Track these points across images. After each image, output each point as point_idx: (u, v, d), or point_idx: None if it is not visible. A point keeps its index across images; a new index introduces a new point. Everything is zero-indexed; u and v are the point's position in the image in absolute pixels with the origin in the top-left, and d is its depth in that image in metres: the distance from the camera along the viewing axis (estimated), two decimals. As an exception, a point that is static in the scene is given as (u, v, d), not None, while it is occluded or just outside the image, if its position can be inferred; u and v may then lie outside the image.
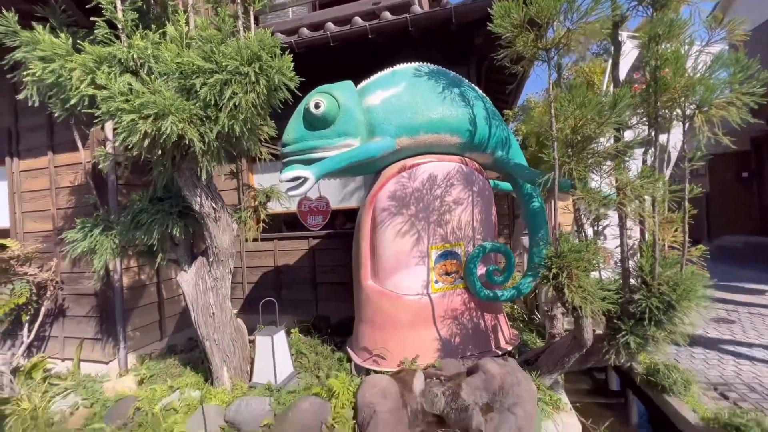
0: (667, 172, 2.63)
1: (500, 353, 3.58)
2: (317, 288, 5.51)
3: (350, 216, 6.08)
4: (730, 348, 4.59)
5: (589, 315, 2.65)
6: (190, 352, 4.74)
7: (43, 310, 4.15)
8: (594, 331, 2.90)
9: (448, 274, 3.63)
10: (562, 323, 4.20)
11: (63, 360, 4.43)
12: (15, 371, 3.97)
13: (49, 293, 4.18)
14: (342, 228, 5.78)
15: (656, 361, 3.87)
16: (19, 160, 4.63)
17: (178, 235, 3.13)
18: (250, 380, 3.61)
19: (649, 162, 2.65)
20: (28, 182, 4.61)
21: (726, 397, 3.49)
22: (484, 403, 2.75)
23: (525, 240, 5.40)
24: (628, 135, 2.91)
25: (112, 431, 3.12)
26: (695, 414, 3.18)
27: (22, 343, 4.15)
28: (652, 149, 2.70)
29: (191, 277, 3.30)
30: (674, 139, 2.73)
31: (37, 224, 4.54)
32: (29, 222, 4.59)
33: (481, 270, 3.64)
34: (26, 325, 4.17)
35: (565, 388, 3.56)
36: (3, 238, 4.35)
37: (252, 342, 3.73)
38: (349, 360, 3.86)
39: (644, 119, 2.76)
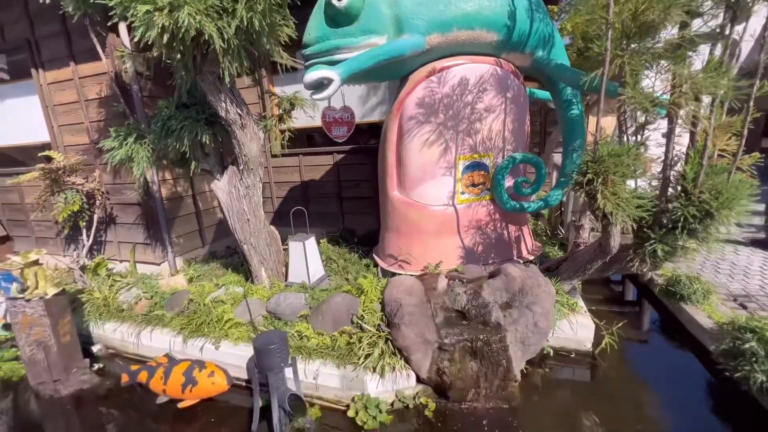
0: (735, 68, 2.32)
1: (521, 262, 3.69)
2: (343, 202, 5.65)
3: (374, 132, 5.93)
4: (758, 265, 4.53)
5: (619, 223, 2.62)
6: (230, 258, 5.18)
7: (95, 217, 4.53)
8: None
9: (474, 185, 3.60)
10: (588, 233, 4.20)
11: (120, 261, 4.96)
12: (83, 269, 4.51)
13: (98, 202, 4.50)
14: (366, 144, 5.69)
15: (678, 273, 3.91)
16: (45, 72, 4.62)
17: (207, 142, 3.17)
18: (285, 280, 3.97)
19: (717, 54, 2.32)
20: (57, 95, 4.66)
21: (745, 307, 3.55)
22: (504, 301, 2.93)
23: (556, 157, 5.17)
24: (695, 26, 2.52)
25: (172, 317, 3.60)
26: (710, 319, 3.29)
27: (83, 246, 4.63)
28: (722, 41, 2.35)
29: (224, 185, 3.44)
30: (752, 25, 2.34)
31: (74, 137, 4.71)
32: (67, 135, 4.76)
33: (509, 182, 3.58)
34: (84, 231, 4.60)
35: (582, 297, 3.72)
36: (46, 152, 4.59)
37: (285, 248, 3.99)
38: (376, 265, 4.11)
39: (721, 2, 2.35)
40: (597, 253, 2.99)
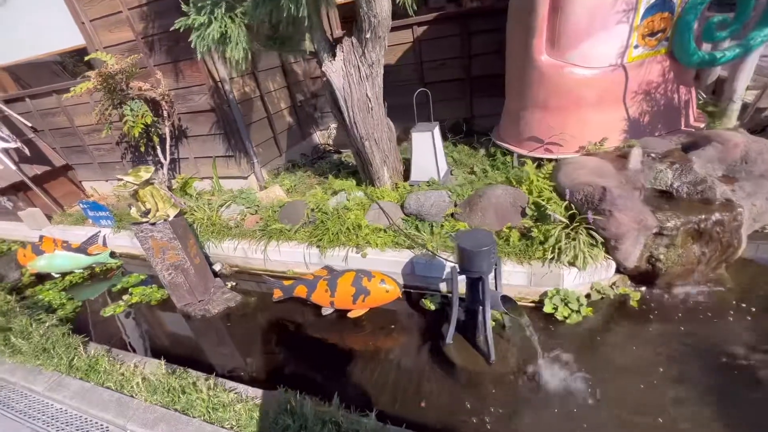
0: None
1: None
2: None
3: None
4: None
5: None
6: (312, 166, 4.71)
7: (167, 131, 3.96)
8: None
9: (652, 34, 2.78)
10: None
11: (201, 179, 4.55)
12: (169, 189, 4.14)
13: (166, 112, 3.88)
14: (466, 6, 4.62)
15: None
16: (52, -56, 3.56)
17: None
18: (407, 179, 3.51)
19: None
20: (76, -23, 3.68)
21: None
22: (720, 175, 2.41)
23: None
24: None
25: (296, 228, 3.29)
26: None
27: (161, 164, 4.17)
28: None
29: (339, 66, 2.73)
30: None
31: (114, 34, 3.86)
32: (104, 33, 3.90)
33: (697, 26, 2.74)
34: (158, 148, 4.08)
35: None
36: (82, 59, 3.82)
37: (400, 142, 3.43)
38: (505, 153, 3.56)
39: None
40: None
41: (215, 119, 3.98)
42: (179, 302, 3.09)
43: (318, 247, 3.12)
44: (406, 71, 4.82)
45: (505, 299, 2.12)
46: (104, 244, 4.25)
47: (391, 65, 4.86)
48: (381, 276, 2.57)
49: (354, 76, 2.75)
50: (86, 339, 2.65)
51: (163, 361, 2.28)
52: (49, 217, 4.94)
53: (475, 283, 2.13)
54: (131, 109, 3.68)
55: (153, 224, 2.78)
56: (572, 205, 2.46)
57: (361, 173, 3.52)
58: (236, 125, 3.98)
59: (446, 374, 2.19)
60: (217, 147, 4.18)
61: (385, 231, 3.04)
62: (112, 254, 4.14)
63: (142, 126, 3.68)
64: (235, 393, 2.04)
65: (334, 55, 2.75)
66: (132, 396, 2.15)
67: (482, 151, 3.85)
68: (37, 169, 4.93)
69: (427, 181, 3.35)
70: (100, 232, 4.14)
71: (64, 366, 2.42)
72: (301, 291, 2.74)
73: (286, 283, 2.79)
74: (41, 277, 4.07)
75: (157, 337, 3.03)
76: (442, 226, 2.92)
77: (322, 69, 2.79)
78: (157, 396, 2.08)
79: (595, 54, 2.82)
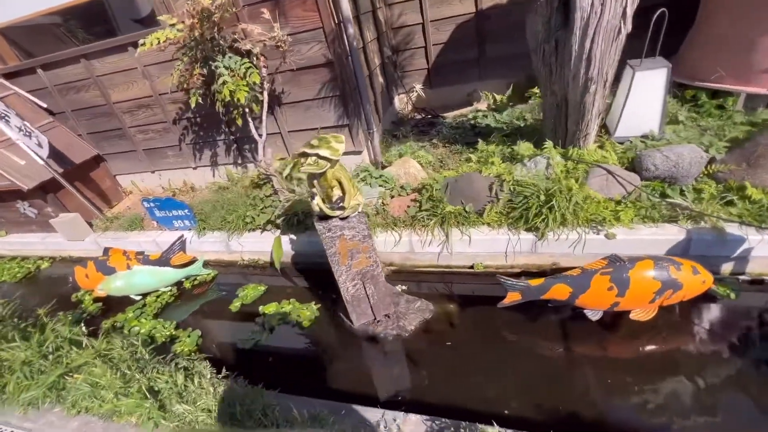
0: None
1: None
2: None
3: None
4: None
5: None
6: (421, 134, 3.88)
7: (266, 96, 2.97)
8: None
9: None
10: None
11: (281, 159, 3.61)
12: (266, 174, 3.21)
13: (264, 71, 2.88)
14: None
15: None
16: None
17: None
18: (610, 135, 2.76)
19: None
20: None
21: None
22: None
23: None
24: None
25: (489, 210, 2.51)
26: None
27: (253, 143, 3.20)
28: None
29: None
30: None
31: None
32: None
33: None
34: (251, 121, 3.08)
35: None
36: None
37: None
38: (715, 95, 2.86)
39: None
40: None
41: (328, 77, 3.03)
42: (358, 321, 2.29)
43: (531, 230, 2.37)
44: (516, 14, 3.97)
45: None
46: (184, 250, 3.30)
47: (502, 5, 4.02)
48: (690, 263, 1.86)
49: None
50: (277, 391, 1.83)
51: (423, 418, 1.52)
52: (90, 224, 3.87)
53: None
54: (226, 67, 2.68)
55: (344, 218, 1.93)
56: None
57: (550, 132, 2.74)
58: (356, 84, 3.06)
59: None
60: (325, 115, 3.25)
61: (620, 202, 2.33)
62: (205, 264, 3.21)
63: (246, 89, 2.69)
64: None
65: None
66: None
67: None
68: (61, 164, 3.81)
69: (642, 136, 2.63)
70: (183, 236, 3.18)
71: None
72: (559, 292, 2.00)
73: (533, 282, 2.04)
74: (107, 301, 3.11)
75: (353, 375, 2.16)
76: (698, 190, 2.24)
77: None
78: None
79: None
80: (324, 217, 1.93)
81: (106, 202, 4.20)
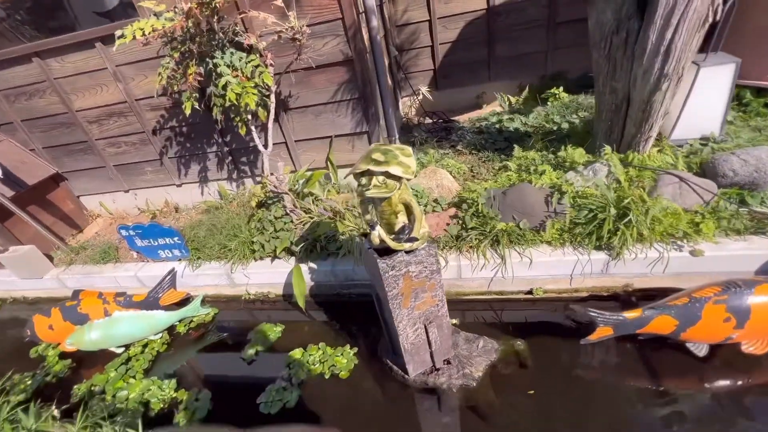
0: None
1: None
2: (557, 31, 3.83)
3: None
4: None
5: None
6: (439, 141, 3.52)
7: (273, 100, 2.49)
8: None
9: None
10: None
11: (292, 172, 3.13)
12: (275, 189, 2.73)
13: (270, 68, 2.41)
14: None
15: None
16: None
17: None
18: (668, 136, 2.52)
19: None
20: None
21: None
22: None
23: None
24: None
25: (552, 226, 2.18)
26: None
27: (260, 153, 2.71)
28: None
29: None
30: None
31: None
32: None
33: None
34: (254, 129, 2.59)
35: None
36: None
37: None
38: (760, 92, 2.71)
39: None
40: None
41: (346, 77, 2.61)
42: (415, 371, 1.88)
43: (602, 249, 2.07)
44: (531, 10, 3.76)
45: None
46: (174, 286, 2.74)
47: (503, 2, 3.78)
48: (812, 285, 1.61)
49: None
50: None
51: None
52: (50, 257, 3.20)
53: None
54: (228, 65, 2.20)
55: (409, 252, 1.52)
56: None
57: (603, 135, 2.47)
58: (377, 85, 2.66)
59: None
60: (340, 121, 2.82)
61: (699, 213, 2.07)
62: (202, 301, 2.67)
63: (255, 92, 2.22)
64: None
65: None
66: None
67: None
68: (11, 187, 3.12)
69: (702, 138, 2.41)
70: (174, 269, 2.63)
71: None
72: (661, 325, 1.69)
73: (630, 316, 1.72)
74: (78, 356, 2.50)
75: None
76: (782, 196, 2.03)
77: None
78: None
79: None
80: (382, 250, 1.51)
81: (68, 230, 3.52)
